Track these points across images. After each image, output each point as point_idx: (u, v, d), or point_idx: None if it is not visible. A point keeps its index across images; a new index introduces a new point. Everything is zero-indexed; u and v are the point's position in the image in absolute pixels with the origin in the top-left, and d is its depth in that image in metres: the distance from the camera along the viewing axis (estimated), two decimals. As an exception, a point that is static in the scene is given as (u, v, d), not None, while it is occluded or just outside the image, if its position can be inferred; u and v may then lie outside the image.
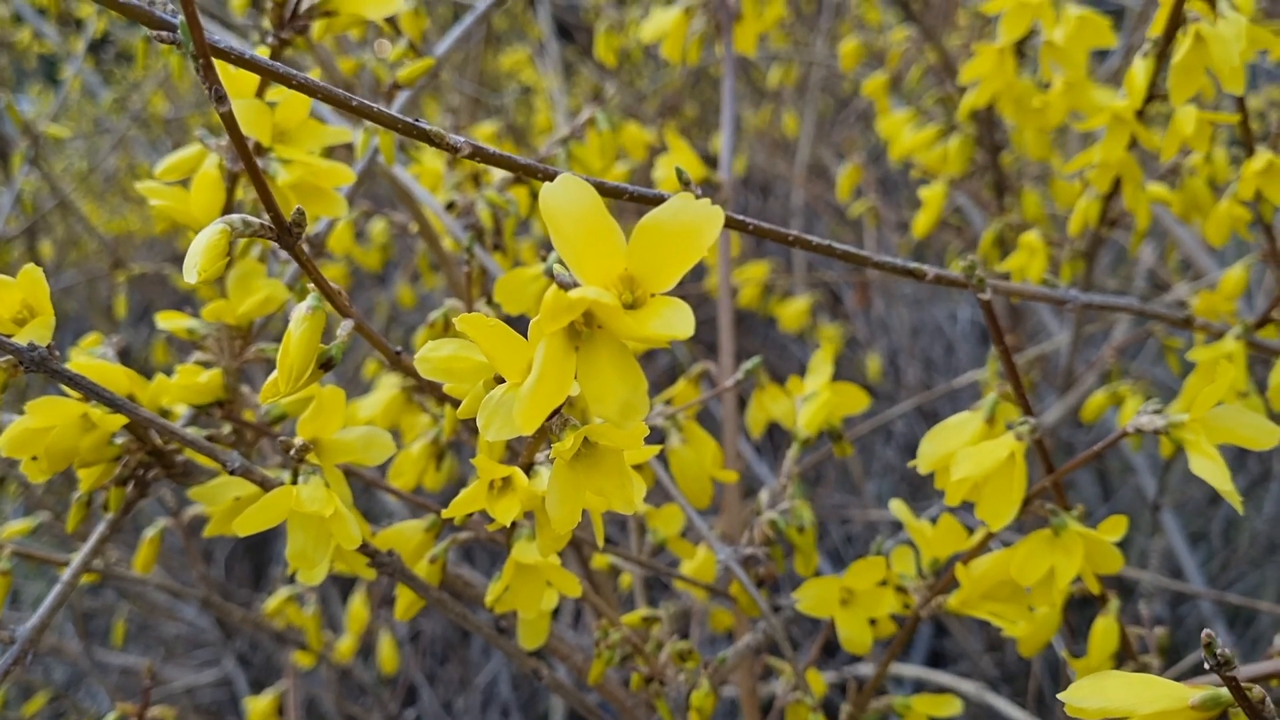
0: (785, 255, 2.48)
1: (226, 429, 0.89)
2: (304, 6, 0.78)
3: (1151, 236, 1.93)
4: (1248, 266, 1.25)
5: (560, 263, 0.54)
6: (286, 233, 0.57)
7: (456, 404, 0.83)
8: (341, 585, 1.94)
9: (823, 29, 2.67)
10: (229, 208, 0.82)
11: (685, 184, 0.66)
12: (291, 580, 2.08)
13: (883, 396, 2.34)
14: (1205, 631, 0.53)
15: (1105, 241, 1.26)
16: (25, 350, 0.65)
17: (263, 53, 0.78)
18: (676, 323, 0.49)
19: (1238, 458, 1.98)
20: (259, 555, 2.44)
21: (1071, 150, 1.87)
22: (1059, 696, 0.58)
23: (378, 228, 1.56)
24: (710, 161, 2.82)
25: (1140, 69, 0.98)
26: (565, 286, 0.50)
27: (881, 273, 2.14)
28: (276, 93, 0.83)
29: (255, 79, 0.80)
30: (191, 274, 0.54)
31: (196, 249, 0.54)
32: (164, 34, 0.52)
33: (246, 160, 0.54)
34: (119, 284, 1.92)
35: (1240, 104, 1.09)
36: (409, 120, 0.58)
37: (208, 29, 0.55)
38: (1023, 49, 1.32)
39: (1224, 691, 0.56)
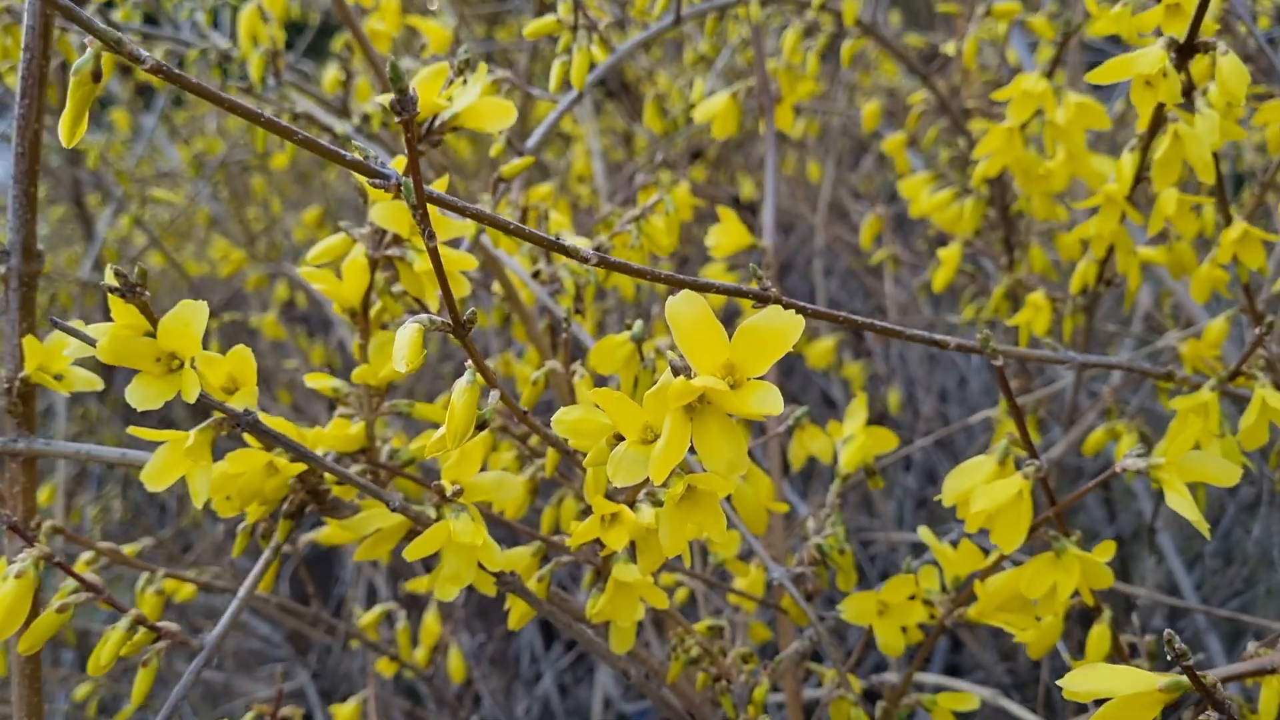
0: (809, 297, 2.65)
1: (358, 469, 1.06)
2: (438, 124, 0.96)
3: (1150, 281, 2.09)
4: (1228, 319, 1.42)
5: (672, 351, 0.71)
6: (461, 328, 0.74)
7: (564, 450, 1.00)
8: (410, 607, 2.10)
9: (842, 81, 2.85)
10: (372, 286, 0.99)
11: (759, 279, 0.84)
12: (370, 603, 2.24)
13: (902, 426, 2.51)
14: (1166, 631, 0.70)
15: (1102, 297, 1.43)
16: (241, 414, 0.82)
17: (400, 162, 0.95)
18: (770, 402, 0.66)
19: (1235, 486, 2.14)
20: (321, 575, 2.61)
21: (1077, 198, 2.04)
22: (1058, 683, 0.75)
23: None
24: (736, 201, 3.00)
25: (1128, 161, 1.15)
26: (685, 375, 0.67)
27: (900, 311, 2.29)
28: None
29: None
30: (400, 365, 0.71)
31: (402, 344, 0.71)
32: (379, 182, 0.69)
33: (443, 283, 0.71)
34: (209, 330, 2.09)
35: (1218, 181, 1.26)
36: (552, 239, 0.76)
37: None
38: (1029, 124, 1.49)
39: (1184, 678, 0.72)
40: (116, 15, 1.57)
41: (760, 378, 0.68)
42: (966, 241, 1.59)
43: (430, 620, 1.72)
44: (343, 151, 0.70)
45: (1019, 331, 1.44)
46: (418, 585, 1.58)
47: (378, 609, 1.51)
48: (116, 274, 0.74)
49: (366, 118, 1.48)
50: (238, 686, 2.25)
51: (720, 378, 0.67)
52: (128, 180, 2.01)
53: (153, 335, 0.77)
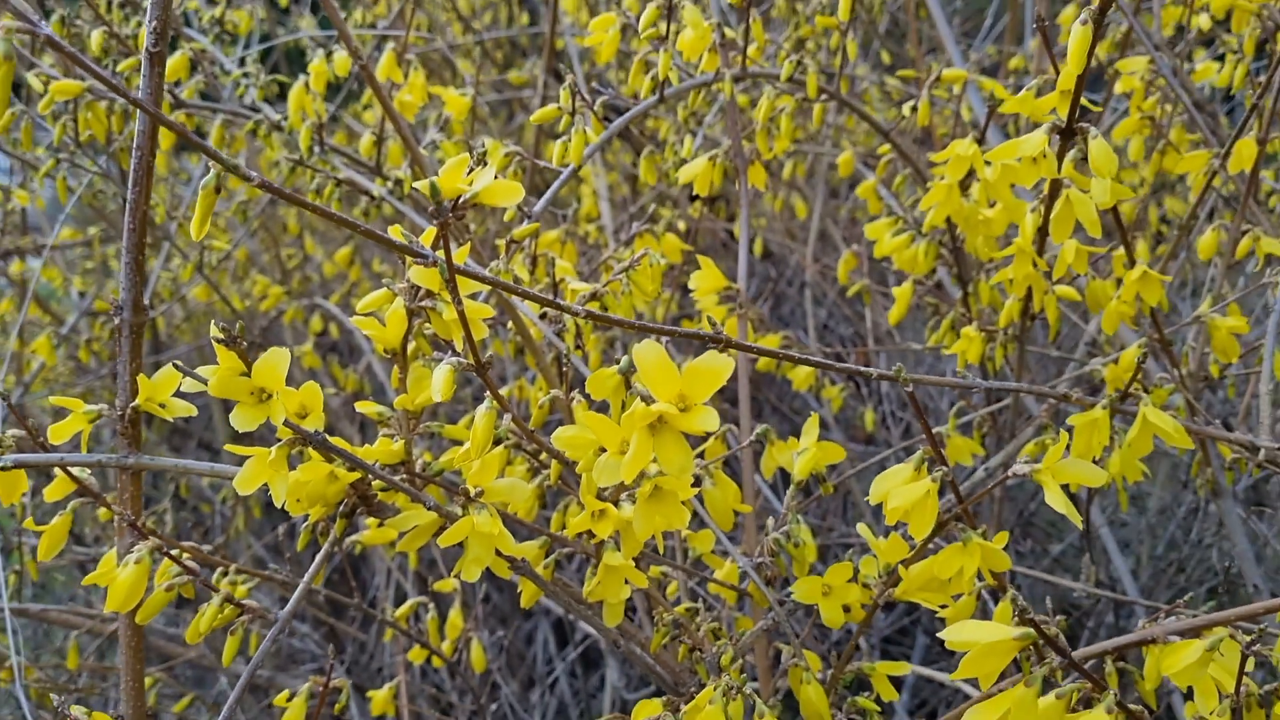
0: (801, 325, 2.89)
1: (399, 478, 1.29)
2: (460, 202, 1.19)
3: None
4: (1140, 346, 1.65)
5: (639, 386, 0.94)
6: (482, 368, 0.98)
7: (565, 461, 1.23)
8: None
9: (829, 122, 3.09)
10: (409, 331, 1.23)
11: (714, 325, 1.07)
12: (399, 604, 2.47)
13: (879, 442, 2.74)
14: (1011, 592, 0.93)
15: (1030, 329, 1.66)
16: (312, 435, 1.05)
17: (429, 234, 1.18)
18: (709, 421, 0.89)
19: (1178, 494, 2.37)
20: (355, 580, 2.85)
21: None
22: (939, 635, 0.97)
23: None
24: (731, 236, 3.23)
25: (1030, 220, 1.39)
26: (648, 402, 0.90)
27: (878, 337, 2.51)
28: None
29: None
30: (437, 396, 0.94)
31: (438, 380, 0.95)
32: (421, 260, 0.93)
33: (466, 332, 0.95)
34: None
35: (1120, 227, 1.50)
36: (551, 300, 0.99)
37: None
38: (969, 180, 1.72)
39: (1031, 630, 0.95)
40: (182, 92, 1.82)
41: (705, 403, 0.92)
42: (918, 280, 1.82)
43: (454, 616, 1.96)
44: (394, 239, 0.94)
45: (956, 359, 1.67)
46: (444, 585, 1.82)
47: (410, 602, 1.75)
48: (222, 329, 0.98)
49: (399, 182, 1.72)
50: (279, 682, 2.49)
51: (673, 404, 0.91)
52: (186, 232, 2.26)
53: (248, 375, 1.01)
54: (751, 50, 1.74)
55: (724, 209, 3.40)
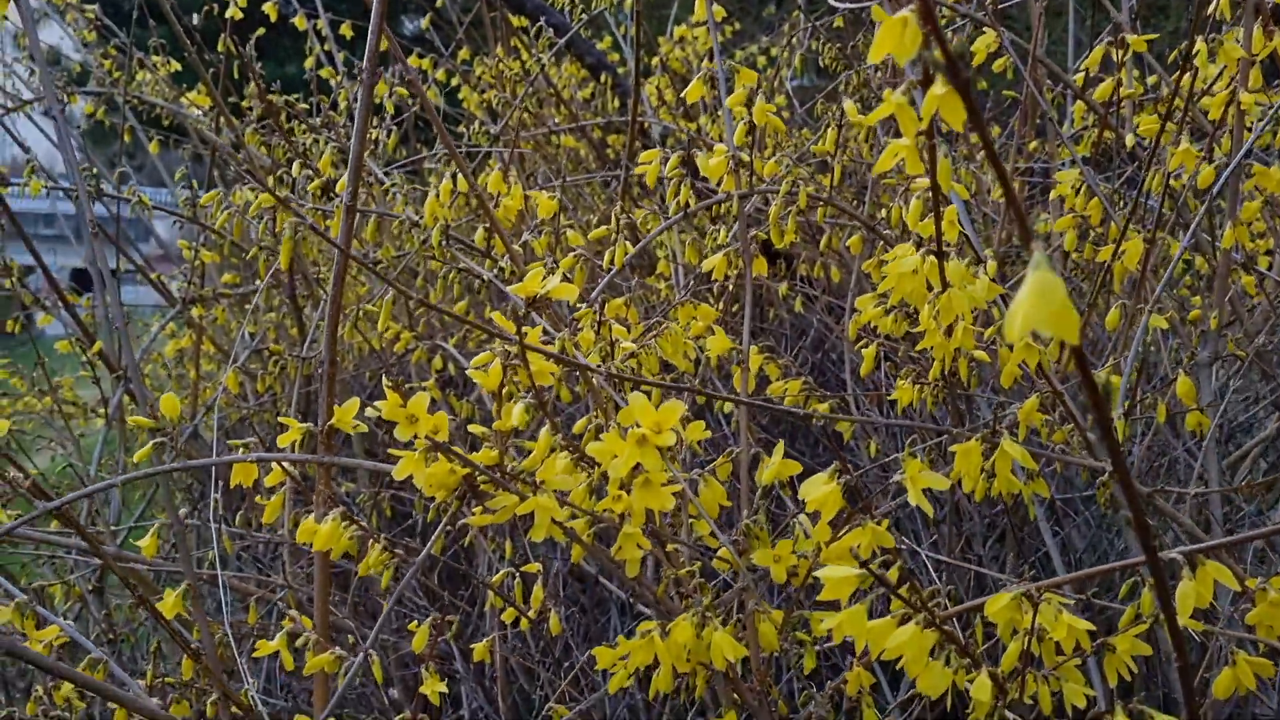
0: (839, 365, 3.49)
1: (495, 474, 1.94)
2: (537, 299, 1.84)
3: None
4: (1039, 397, 2.22)
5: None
6: (542, 406, 1.63)
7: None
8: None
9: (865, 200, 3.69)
10: (504, 379, 1.88)
11: (692, 381, 1.70)
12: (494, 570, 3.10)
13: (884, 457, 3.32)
14: (899, 562, 1.54)
15: (958, 379, 2.25)
16: (441, 444, 1.71)
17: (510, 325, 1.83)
18: (670, 439, 1.52)
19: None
20: (457, 568, 3.53)
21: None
22: (817, 574, 1.59)
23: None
24: (802, 279, 3.82)
25: (927, 310, 1.99)
26: (636, 427, 1.54)
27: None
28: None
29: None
30: (515, 422, 1.59)
31: (516, 412, 1.60)
32: (509, 341, 1.58)
33: (534, 386, 1.60)
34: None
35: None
36: (580, 362, 1.63)
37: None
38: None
39: (865, 572, 1.55)
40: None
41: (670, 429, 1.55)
42: (880, 342, 2.43)
43: (538, 590, 2.61)
44: (491, 328, 1.59)
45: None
46: (531, 568, 2.46)
47: (502, 572, 2.40)
48: (393, 381, 1.64)
49: (501, 270, 2.38)
50: (399, 645, 3.17)
51: (651, 429, 1.54)
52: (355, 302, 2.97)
53: (404, 407, 1.67)
54: (769, 167, 2.38)
55: (783, 266, 4.02)
